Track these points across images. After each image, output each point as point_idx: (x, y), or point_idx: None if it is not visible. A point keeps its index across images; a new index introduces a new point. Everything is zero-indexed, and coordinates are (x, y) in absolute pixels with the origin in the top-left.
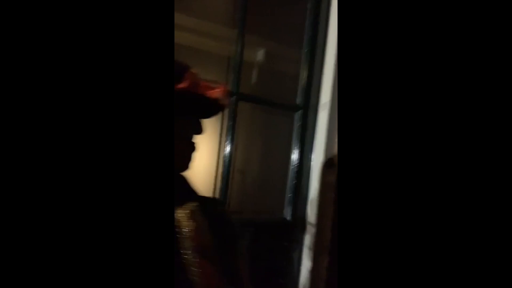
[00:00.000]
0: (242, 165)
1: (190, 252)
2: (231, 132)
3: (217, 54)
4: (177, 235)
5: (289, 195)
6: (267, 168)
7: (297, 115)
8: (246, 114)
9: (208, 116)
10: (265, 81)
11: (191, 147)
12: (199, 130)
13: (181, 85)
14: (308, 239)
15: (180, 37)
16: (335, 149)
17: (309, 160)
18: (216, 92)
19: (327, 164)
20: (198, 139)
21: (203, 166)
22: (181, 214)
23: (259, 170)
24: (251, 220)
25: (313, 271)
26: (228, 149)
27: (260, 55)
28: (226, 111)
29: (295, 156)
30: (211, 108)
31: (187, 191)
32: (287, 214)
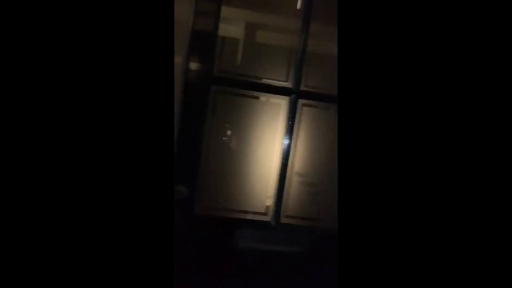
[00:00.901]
0: (302, 168)
1: None
2: (289, 132)
3: (282, 48)
4: None
5: None
6: (330, 172)
7: None
8: (311, 112)
9: None
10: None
11: None
12: None
13: None
14: None
15: (235, 31)
16: None
17: None
18: None
19: None
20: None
21: (259, 168)
22: None
23: (320, 174)
24: (309, 228)
25: None
26: (284, 149)
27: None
28: (285, 110)
29: None
30: None
31: None
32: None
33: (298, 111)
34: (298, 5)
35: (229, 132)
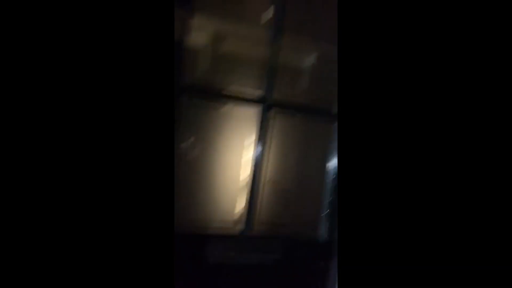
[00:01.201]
0: (275, 176)
1: None
2: (261, 140)
3: (254, 57)
4: None
5: (326, 211)
6: (302, 180)
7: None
8: (283, 121)
9: None
10: (317, 88)
11: None
12: None
13: None
14: None
15: (214, 42)
16: None
17: None
18: None
19: None
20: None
21: (234, 176)
22: None
23: (293, 181)
24: (283, 235)
25: None
26: (257, 158)
27: (312, 59)
28: (257, 119)
29: (332, 167)
30: None
31: None
32: (323, 229)
33: (269, 120)
34: (270, 16)
35: (199, 143)
